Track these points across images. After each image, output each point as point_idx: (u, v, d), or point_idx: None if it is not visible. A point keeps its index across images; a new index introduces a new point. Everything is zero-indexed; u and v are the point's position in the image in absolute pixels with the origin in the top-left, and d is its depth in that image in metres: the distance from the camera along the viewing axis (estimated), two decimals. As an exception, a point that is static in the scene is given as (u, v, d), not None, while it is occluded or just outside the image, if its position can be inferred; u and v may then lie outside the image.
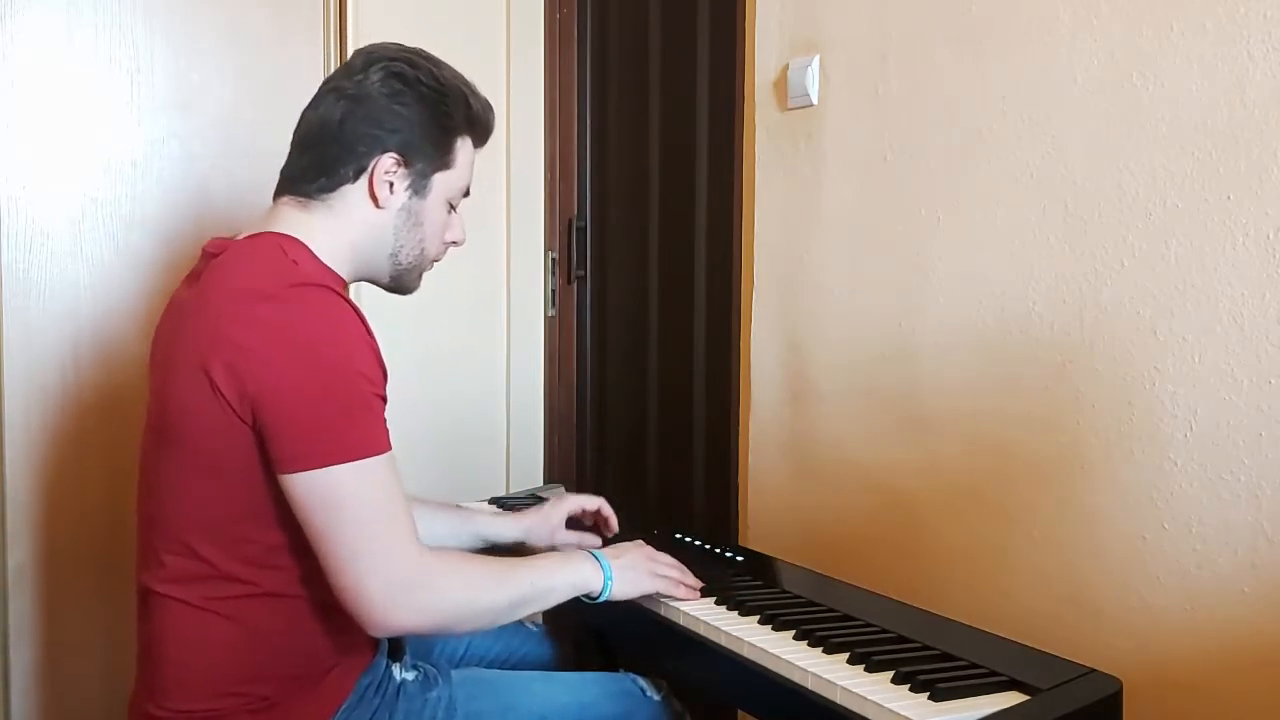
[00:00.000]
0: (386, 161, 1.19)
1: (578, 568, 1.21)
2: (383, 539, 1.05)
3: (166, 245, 1.87)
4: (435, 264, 1.31)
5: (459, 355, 2.22)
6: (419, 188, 1.22)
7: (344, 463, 1.04)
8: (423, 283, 1.31)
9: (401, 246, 1.23)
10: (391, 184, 1.20)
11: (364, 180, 1.19)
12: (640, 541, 1.31)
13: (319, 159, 1.19)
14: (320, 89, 1.23)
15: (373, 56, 1.21)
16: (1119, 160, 1.24)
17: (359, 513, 1.04)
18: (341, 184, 1.19)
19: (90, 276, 1.81)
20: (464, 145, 1.25)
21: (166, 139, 1.87)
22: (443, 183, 1.24)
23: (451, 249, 1.32)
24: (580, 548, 1.42)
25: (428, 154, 1.21)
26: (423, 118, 1.20)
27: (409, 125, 1.19)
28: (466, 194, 1.30)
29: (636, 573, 1.23)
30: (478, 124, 1.27)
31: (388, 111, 1.18)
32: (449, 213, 1.28)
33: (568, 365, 2.32)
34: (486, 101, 1.29)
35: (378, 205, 1.20)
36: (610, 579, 1.20)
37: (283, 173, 1.23)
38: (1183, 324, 1.18)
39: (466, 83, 1.26)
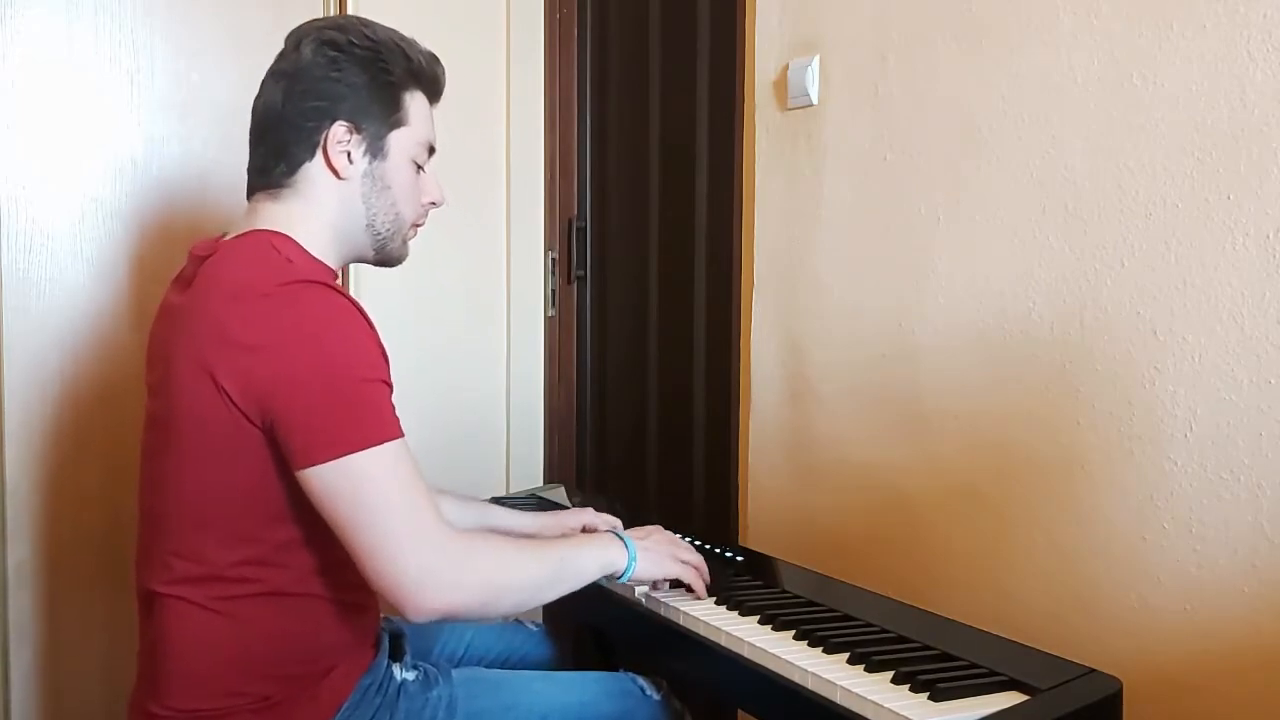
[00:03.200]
0: (337, 131, 1.18)
1: (604, 546, 1.22)
2: (409, 521, 1.05)
3: (167, 245, 1.87)
4: (418, 229, 1.31)
5: (459, 355, 2.22)
6: (376, 150, 1.21)
7: (360, 450, 1.04)
8: (410, 252, 1.31)
9: (375, 214, 1.23)
10: (348, 153, 1.20)
11: (320, 155, 1.19)
12: (659, 525, 1.31)
13: (273, 146, 1.20)
14: (264, 77, 1.23)
15: (302, 32, 1.22)
16: (1119, 160, 1.24)
17: (382, 498, 1.04)
18: (300, 164, 1.19)
19: (90, 276, 1.81)
20: (414, 99, 1.24)
21: (166, 139, 1.87)
22: (400, 141, 1.23)
23: (433, 211, 1.32)
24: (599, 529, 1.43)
25: (376, 114, 1.21)
26: (363, 80, 1.19)
27: (351, 90, 1.19)
28: (433, 152, 1.29)
29: (659, 554, 1.24)
30: (422, 76, 1.25)
31: (326, 81, 1.18)
32: (417, 172, 1.27)
33: (568, 365, 2.32)
34: (430, 54, 1.27)
35: (339, 176, 1.20)
36: (634, 559, 1.21)
37: (248, 170, 1.23)
38: (1183, 324, 1.18)
39: (403, 38, 1.25)
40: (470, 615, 1.11)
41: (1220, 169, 1.14)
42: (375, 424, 1.06)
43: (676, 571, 1.25)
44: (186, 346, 1.09)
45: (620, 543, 1.22)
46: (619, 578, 1.21)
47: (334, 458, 1.03)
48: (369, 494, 1.04)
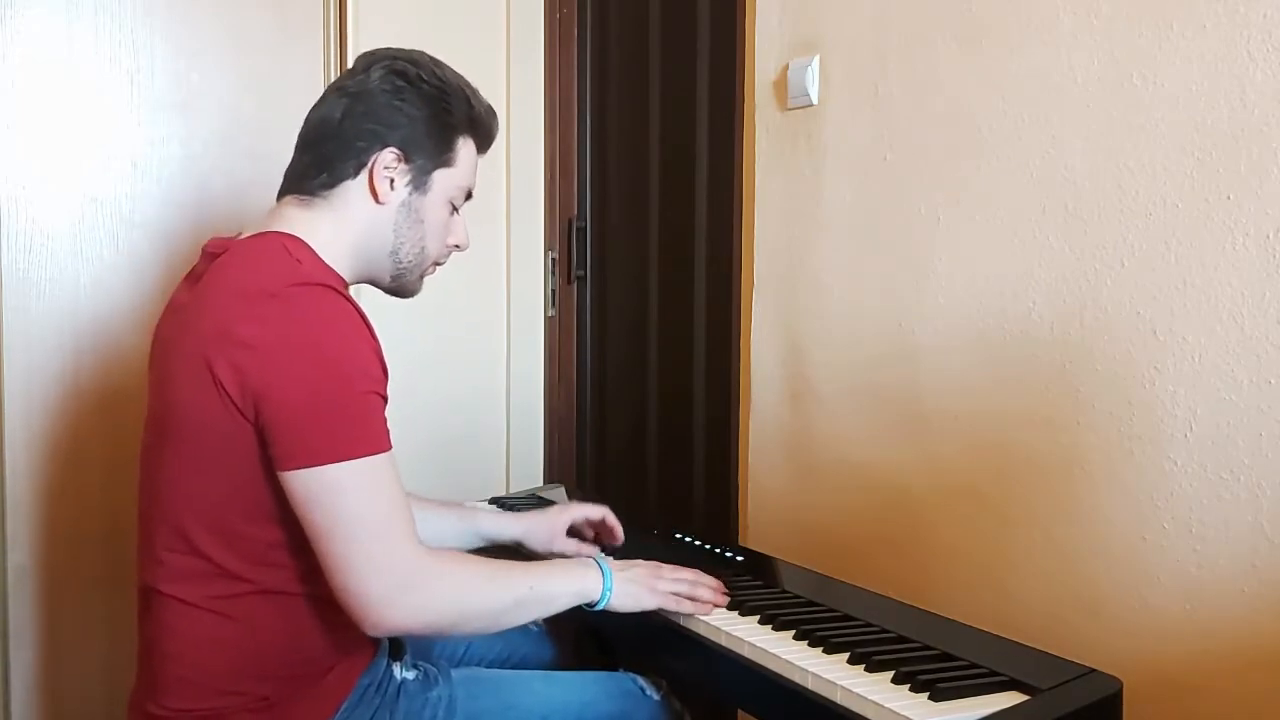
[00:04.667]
0: (387, 156, 1.19)
1: (580, 575, 1.20)
2: (380, 538, 1.05)
3: (166, 245, 1.87)
4: (437, 267, 1.31)
5: (459, 355, 2.22)
6: (420, 184, 1.23)
7: (343, 461, 1.04)
8: (423, 286, 1.31)
9: (402, 244, 1.24)
10: (392, 180, 1.21)
11: (364, 176, 1.20)
12: (655, 562, 1.27)
13: (320, 156, 1.20)
14: (325, 90, 1.24)
15: (374, 56, 1.23)
16: (1119, 160, 1.24)
17: (357, 511, 1.04)
18: (342, 180, 1.20)
19: (90, 276, 1.81)
20: (465, 145, 1.26)
21: (166, 139, 1.87)
22: (444, 181, 1.24)
23: (454, 253, 1.32)
24: (582, 555, 1.42)
25: (428, 150, 1.22)
26: (424, 114, 1.21)
27: (410, 121, 1.20)
28: (469, 197, 1.30)
29: (638, 587, 1.21)
30: (480, 126, 1.27)
31: (388, 108, 1.19)
32: (451, 214, 1.28)
33: (568, 365, 2.32)
34: (490, 107, 1.29)
35: (378, 201, 1.20)
36: (609, 590, 1.19)
37: (286, 173, 1.24)
38: (1183, 324, 1.18)
39: (469, 85, 1.27)
40: (431, 635, 1.13)
41: (1220, 169, 1.14)
42: (360, 435, 1.06)
43: (655, 603, 1.21)
44: (190, 342, 1.09)
45: (598, 571, 1.20)
46: (593, 608, 1.19)
47: (314, 464, 1.03)
48: (344, 505, 1.04)
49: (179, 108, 1.88)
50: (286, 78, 1.94)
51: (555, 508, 1.49)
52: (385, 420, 1.09)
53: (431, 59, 1.24)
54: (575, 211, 2.28)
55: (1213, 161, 1.15)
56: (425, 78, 1.21)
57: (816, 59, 1.63)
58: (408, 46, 1.26)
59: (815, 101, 1.63)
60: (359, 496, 1.05)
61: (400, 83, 1.20)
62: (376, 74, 1.20)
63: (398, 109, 1.19)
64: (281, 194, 1.23)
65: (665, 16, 2.05)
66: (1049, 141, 1.31)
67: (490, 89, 2.19)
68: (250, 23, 1.93)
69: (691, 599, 1.22)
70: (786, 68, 1.67)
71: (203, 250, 1.20)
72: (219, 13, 1.90)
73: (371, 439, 1.06)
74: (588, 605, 1.19)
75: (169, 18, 1.86)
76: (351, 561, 1.04)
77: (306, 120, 1.23)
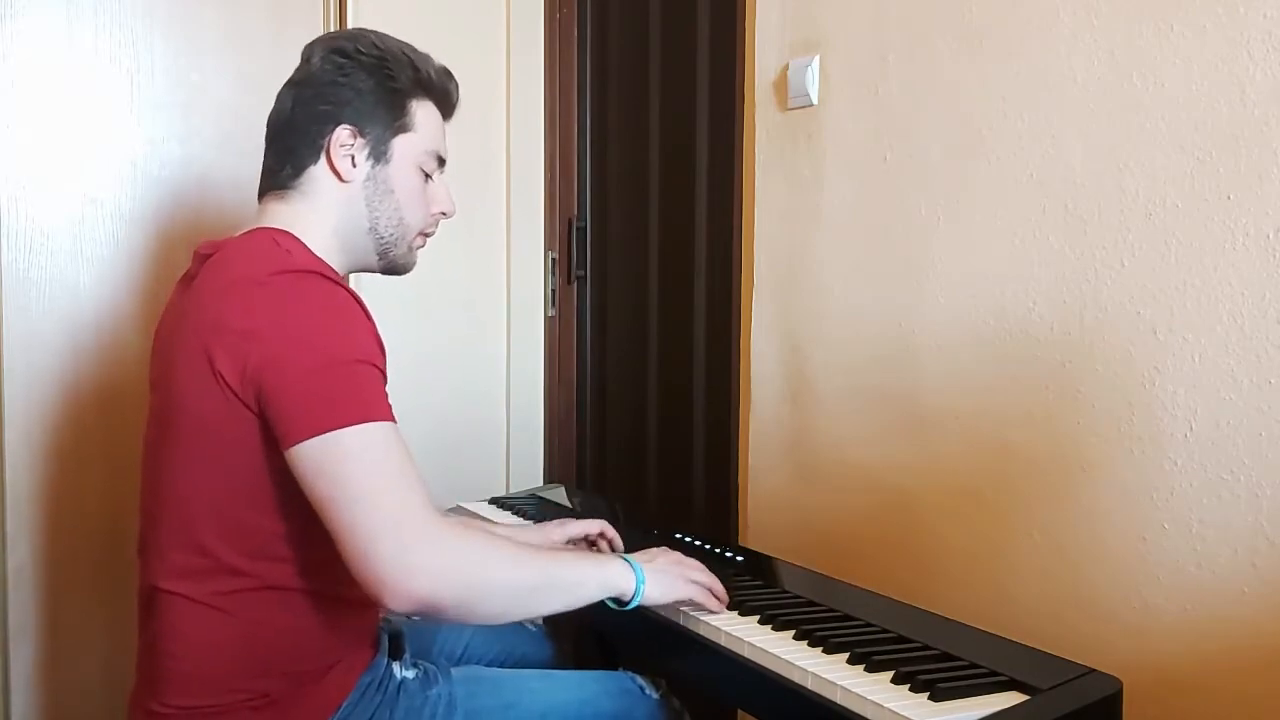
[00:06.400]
0: (341, 134, 1.20)
1: (607, 565, 1.17)
2: (390, 503, 1.02)
3: (167, 245, 1.87)
4: (427, 238, 1.31)
5: (459, 355, 2.22)
6: (380, 154, 1.23)
7: (344, 427, 1.02)
8: (418, 260, 1.31)
9: (378, 218, 1.24)
10: (351, 156, 1.21)
11: (323, 158, 1.21)
12: (665, 548, 1.26)
13: (282, 150, 1.22)
14: (279, 90, 1.25)
15: (314, 44, 1.25)
16: (1119, 160, 1.24)
17: (364, 477, 1.02)
18: (305, 167, 1.21)
19: (90, 276, 1.81)
20: (422, 108, 1.26)
21: (166, 139, 1.87)
22: (405, 147, 1.24)
23: (443, 221, 1.32)
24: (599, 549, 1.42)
25: (381, 118, 1.22)
26: (370, 85, 1.22)
27: (358, 94, 1.21)
28: (442, 163, 1.30)
29: (670, 577, 1.19)
30: (432, 87, 1.27)
31: (333, 86, 1.21)
32: (425, 180, 1.28)
33: (568, 365, 2.32)
34: (443, 69, 1.29)
35: (342, 179, 1.22)
36: (643, 583, 1.16)
37: (260, 175, 1.25)
38: (1183, 324, 1.18)
39: (415, 50, 1.27)
40: (451, 609, 1.04)
41: (1220, 169, 1.14)
42: (363, 403, 1.04)
43: (689, 593, 1.19)
44: (187, 338, 1.10)
45: (626, 565, 1.17)
46: (628, 604, 1.16)
47: (319, 433, 1.02)
48: (351, 472, 1.01)
49: (179, 107, 1.88)
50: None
51: (553, 523, 1.47)
52: (386, 394, 1.08)
53: (373, 33, 1.25)
54: (575, 211, 2.28)
55: (1213, 161, 1.15)
56: (364, 50, 1.22)
57: (816, 59, 1.63)
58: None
59: (815, 101, 1.63)
60: (363, 462, 1.02)
61: (341, 60, 1.21)
62: (317, 58, 1.22)
63: (343, 85, 1.21)
64: (260, 195, 1.25)
65: (665, 16, 2.05)
66: (1049, 142, 1.31)
67: (490, 89, 2.22)
68: (250, 23, 1.93)
69: (712, 593, 1.21)
70: (786, 68, 1.67)
71: (194, 253, 1.21)
72: (219, 13, 1.90)
73: (371, 406, 1.05)
74: (618, 604, 1.16)
75: (169, 18, 1.86)
76: (362, 528, 1.00)
77: (267, 122, 1.25)
